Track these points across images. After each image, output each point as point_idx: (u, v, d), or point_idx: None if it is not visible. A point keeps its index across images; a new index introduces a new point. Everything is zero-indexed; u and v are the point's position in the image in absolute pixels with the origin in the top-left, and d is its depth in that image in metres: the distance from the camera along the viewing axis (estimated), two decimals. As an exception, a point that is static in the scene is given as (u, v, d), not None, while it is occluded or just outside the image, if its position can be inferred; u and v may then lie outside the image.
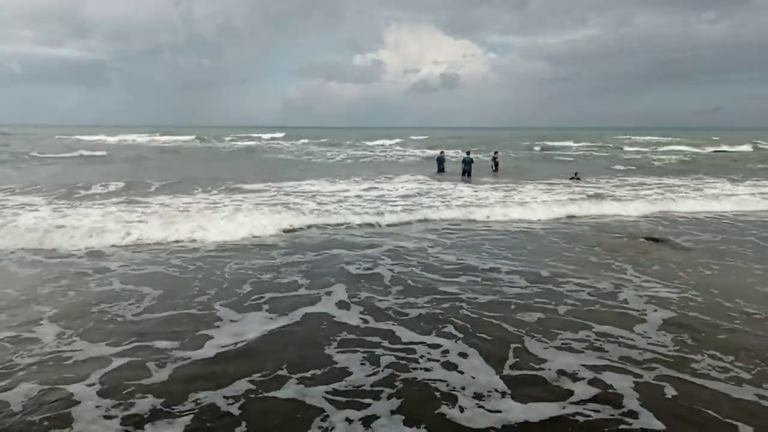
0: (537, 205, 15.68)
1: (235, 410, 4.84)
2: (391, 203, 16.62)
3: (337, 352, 6.00)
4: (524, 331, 6.81)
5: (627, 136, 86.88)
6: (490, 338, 6.59)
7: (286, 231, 12.32)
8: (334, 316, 7.02)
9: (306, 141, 68.35)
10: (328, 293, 7.75)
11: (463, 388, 5.35)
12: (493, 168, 28.72)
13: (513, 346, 6.36)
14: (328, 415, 4.79)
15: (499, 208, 15.15)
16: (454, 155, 38.06)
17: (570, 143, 63.26)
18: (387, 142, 61.69)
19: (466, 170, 25.73)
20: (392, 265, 9.61)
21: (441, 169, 26.92)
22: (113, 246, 10.77)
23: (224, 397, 5.03)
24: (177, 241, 11.13)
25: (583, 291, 8.46)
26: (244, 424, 4.65)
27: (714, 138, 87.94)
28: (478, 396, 5.22)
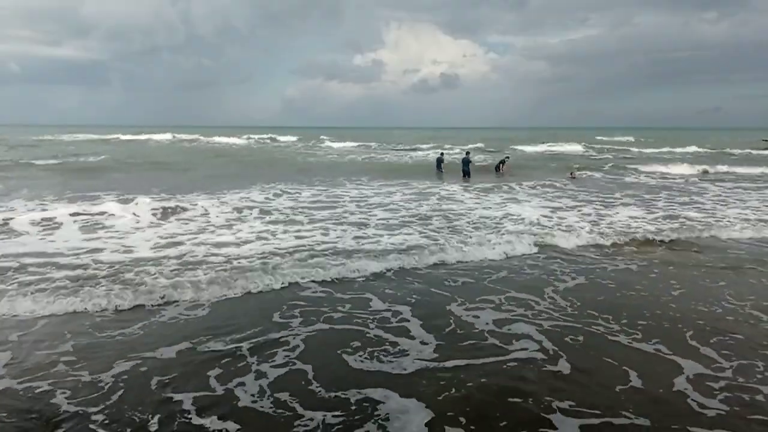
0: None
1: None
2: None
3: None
4: (451, 295, 7.53)
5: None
6: (422, 303, 7.23)
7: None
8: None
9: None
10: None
11: (379, 341, 5.92)
12: (498, 170, 28.04)
13: (442, 307, 7.04)
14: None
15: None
16: (456, 155, 37.73)
17: (571, 143, 63.09)
18: (393, 143, 60.02)
19: (465, 171, 25.42)
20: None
21: (439, 168, 27.15)
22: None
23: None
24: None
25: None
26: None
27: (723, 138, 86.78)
28: (387, 345, 5.80)
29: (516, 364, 5.35)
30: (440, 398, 4.64)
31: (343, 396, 4.66)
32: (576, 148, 53.43)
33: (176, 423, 4.25)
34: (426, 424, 4.23)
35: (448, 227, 12.20)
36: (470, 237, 11.03)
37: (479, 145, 53.31)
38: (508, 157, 30.29)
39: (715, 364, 5.40)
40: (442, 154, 29.92)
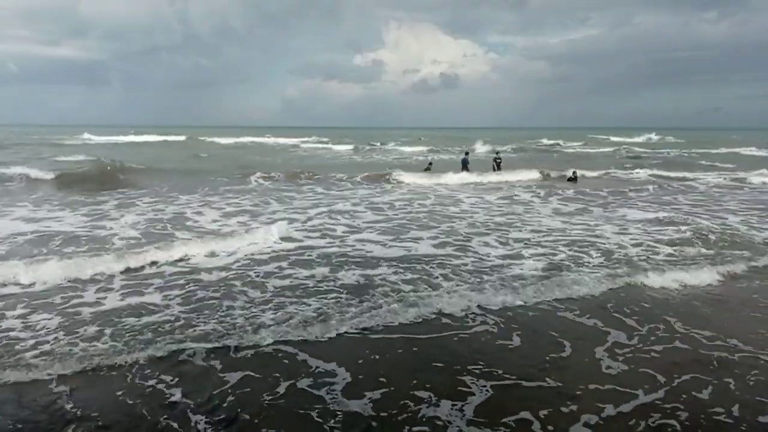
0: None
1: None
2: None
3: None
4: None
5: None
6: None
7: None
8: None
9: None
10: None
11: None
12: (495, 168, 28.24)
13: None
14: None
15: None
16: (450, 156, 38.06)
17: (570, 143, 63.51)
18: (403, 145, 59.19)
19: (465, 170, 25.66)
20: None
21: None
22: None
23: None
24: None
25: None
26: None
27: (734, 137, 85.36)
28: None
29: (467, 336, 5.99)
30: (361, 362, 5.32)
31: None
32: (605, 149, 52.82)
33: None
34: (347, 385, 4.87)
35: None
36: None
37: (507, 147, 50.35)
38: (498, 152, 30.66)
39: (634, 332, 6.14)
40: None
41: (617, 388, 4.88)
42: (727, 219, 13.68)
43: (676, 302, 7.31)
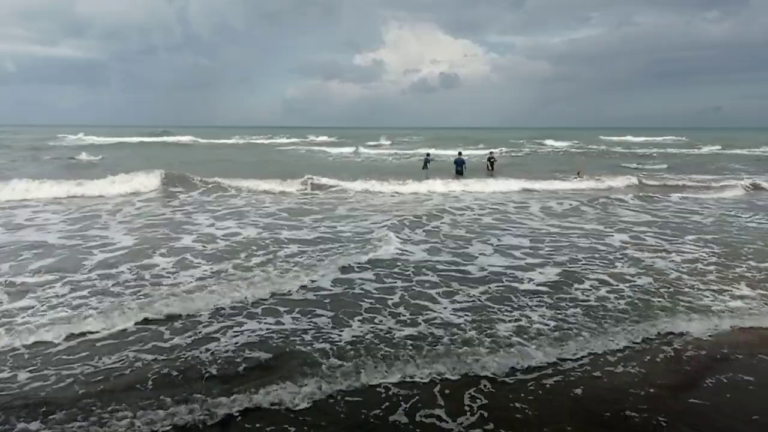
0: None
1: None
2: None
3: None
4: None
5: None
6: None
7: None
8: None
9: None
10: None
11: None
12: (489, 168, 28.24)
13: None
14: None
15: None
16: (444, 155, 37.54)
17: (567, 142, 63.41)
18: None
19: (459, 171, 25.15)
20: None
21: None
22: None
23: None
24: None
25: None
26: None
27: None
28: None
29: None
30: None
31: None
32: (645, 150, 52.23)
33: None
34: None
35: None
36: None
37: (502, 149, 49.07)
38: (492, 152, 30.80)
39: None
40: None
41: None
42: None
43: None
